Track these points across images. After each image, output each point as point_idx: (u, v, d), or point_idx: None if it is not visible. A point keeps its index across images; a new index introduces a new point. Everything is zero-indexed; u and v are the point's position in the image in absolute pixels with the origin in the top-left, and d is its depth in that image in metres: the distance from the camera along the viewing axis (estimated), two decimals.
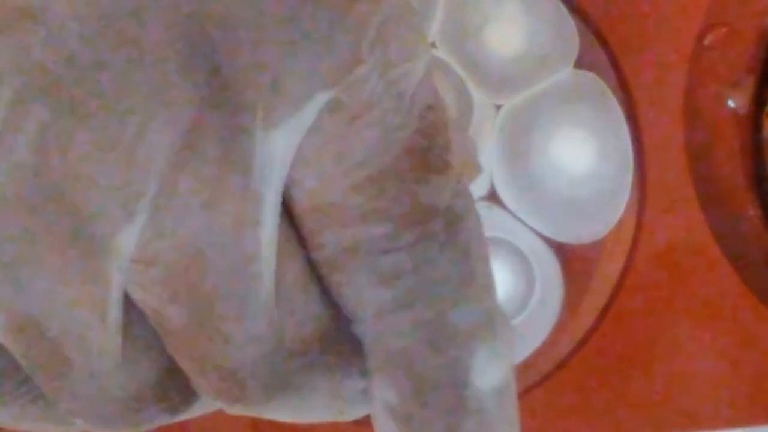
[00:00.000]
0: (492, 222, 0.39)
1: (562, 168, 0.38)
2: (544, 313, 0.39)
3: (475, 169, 0.25)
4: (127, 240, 0.18)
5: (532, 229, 0.39)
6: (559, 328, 0.39)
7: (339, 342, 0.20)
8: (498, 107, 0.38)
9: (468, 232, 0.20)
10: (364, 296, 0.20)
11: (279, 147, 0.18)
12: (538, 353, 0.39)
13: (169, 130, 0.18)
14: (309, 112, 0.18)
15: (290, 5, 0.18)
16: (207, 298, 0.19)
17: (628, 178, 0.38)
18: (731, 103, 0.40)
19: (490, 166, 0.39)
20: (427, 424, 0.20)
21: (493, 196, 0.39)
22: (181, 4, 0.18)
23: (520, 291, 0.39)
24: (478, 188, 0.39)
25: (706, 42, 0.39)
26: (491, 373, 0.21)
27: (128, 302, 0.19)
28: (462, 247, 0.20)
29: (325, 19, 0.18)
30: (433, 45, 0.38)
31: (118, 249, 0.18)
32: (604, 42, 0.38)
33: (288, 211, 0.19)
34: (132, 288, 0.19)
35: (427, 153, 0.20)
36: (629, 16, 0.39)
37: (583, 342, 0.39)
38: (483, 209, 0.39)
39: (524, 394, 0.39)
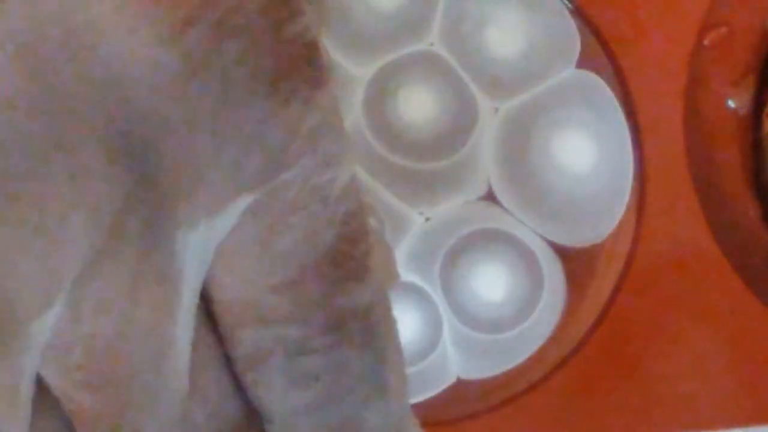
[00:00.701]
0: (494, 220, 0.39)
1: (561, 169, 0.38)
2: (546, 314, 0.39)
3: (393, 277, 0.26)
4: (44, 326, 0.18)
5: (534, 230, 0.39)
6: (559, 328, 0.39)
7: None
8: (496, 109, 0.38)
9: (384, 338, 0.20)
10: (278, 396, 0.20)
11: (200, 245, 0.18)
12: (538, 354, 0.39)
13: (92, 222, 0.18)
14: (232, 213, 0.19)
15: (222, 105, 0.18)
16: (120, 387, 0.19)
17: (628, 178, 0.38)
18: (731, 103, 0.40)
19: (488, 168, 0.39)
20: None
21: (492, 198, 0.39)
22: (113, 99, 0.18)
23: (528, 292, 0.39)
24: (476, 190, 0.39)
25: (706, 42, 0.39)
26: None
27: (42, 390, 0.19)
28: (377, 352, 0.20)
29: (255, 120, 0.18)
30: (431, 45, 0.38)
31: (34, 335, 0.18)
32: (604, 42, 0.38)
33: (207, 307, 0.20)
34: (48, 373, 0.19)
35: (348, 258, 0.20)
36: (629, 16, 0.39)
37: (583, 342, 0.39)
38: (482, 207, 0.39)
39: (524, 394, 0.39)
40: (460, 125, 0.38)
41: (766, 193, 0.40)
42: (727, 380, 0.39)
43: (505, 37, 0.38)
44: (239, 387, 0.20)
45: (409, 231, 0.39)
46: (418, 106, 0.38)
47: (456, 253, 0.39)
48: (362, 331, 0.20)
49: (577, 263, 0.39)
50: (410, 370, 0.38)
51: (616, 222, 0.38)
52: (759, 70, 0.39)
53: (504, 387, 0.39)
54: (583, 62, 0.38)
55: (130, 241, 0.18)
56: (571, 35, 0.38)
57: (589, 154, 0.38)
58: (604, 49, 0.38)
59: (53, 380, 0.19)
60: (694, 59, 0.39)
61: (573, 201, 0.38)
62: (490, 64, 0.38)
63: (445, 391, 0.39)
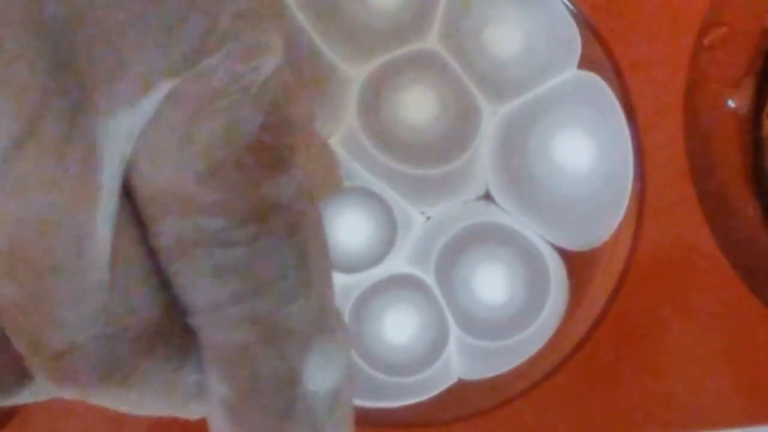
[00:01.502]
0: (493, 224, 0.39)
1: (561, 169, 0.38)
2: (549, 315, 0.39)
3: (336, 182, 0.25)
4: None
5: (535, 232, 0.39)
6: (559, 328, 0.39)
7: (173, 333, 0.20)
8: (495, 111, 0.38)
9: (307, 233, 0.20)
10: (200, 288, 0.20)
11: (120, 132, 0.19)
12: (538, 354, 0.39)
13: (12, 114, 0.18)
14: (151, 100, 0.19)
15: None
16: (41, 276, 0.19)
17: (628, 178, 0.38)
18: (731, 103, 0.40)
19: (486, 170, 0.39)
20: (257, 421, 0.21)
21: (491, 198, 0.39)
22: (42, 4, 0.18)
23: (534, 294, 0.39)
24: (475, 191, 0.39)
25: (706, 42, 0.39)
26: (323, 376, 0.21)
27: None
28: (301, 246, 0.20)
29: (178, 2, 0.18)
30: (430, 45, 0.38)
31: None
32: (604, 42, 0.38)
33: (129, 197, 0.20)
34: None
35: (271, 150, 0.20)
36: (629, 16, 0.39)
37: (583, 342, 0.39)
38: (481, 206, 0.39)
39: (524, 395, 0.39)
40: (460, 129, 0.38)
41: (766, 193, 0.40)
42: (727, 380, 0.39)
43: (506, 39, 0.38)
44: (162, 282, 0.20)
45: (411, 230, 0.39)
46: (417, 107, 0.38)
47: (457, 253, 0.39)
48: (285, 224, 0.20)
49: (577, 263, 0.39)
50: (415, 378, 0.39)
51: (616, 225, 0.38)
52: (759, 70, 0.40)
53: (504, 387, 0.39)
54: (584, 62, 0.38)
55: (52, 126, 0.18)
56: (572, 36, 0.38)
57: (589, 155, 0.38)
58: (604, 49, 0.38)
59: None
60: (694, 59, 0.39)
61: (572, 203, 0.38)
62: (491, 66, 0.38)
63: (445, 391, 0.39)
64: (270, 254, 0.20)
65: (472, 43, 0.38)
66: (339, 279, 0.39)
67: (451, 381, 0.39)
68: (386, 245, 0.39)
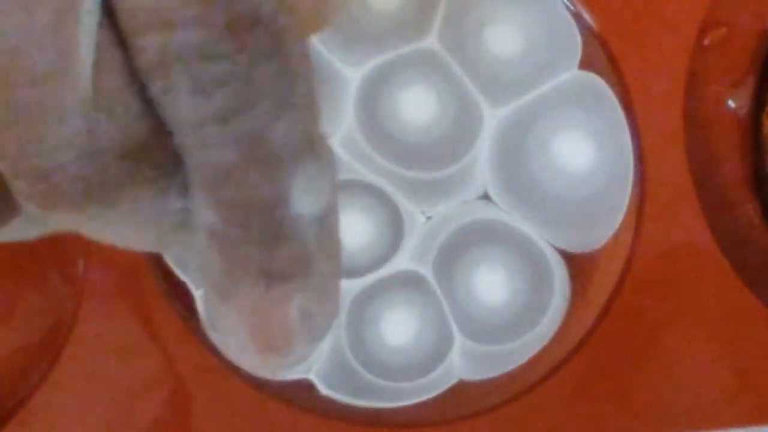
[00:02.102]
0: (494, 227, 0.39)
1: (561, 169, 0.38)
2: (550, 317, 0.39)
3: (324, 20, 0.25)
4: None
5: (535, 232, 0.39)
6: (559, 329, 0.39)
7: (159, 155, 0.20)
8: (494, 113, 0.38)
9: (290, 49, 0.20)
10: (184, 105, 0.20)
11: None
12: (539, 355, 0.39)
13: None
14: None
15: None
16: (23, 96, 0.19)
17: (628, 178, 0.38)
18: (731, 103, 0.40)
19: (486, 171, 0.39)
20: (243, 245, 0.21)
21: (490, 200, 0.39)
22: None
23: (538, 296, 0.39)
24: (475, 191, 0.39)
25: (706, 42, 0.39)
26: (310, 199, 0.21)
27: None
28: (283, 62, 0.20)
29: None
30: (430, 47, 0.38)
31: None
32: (604, 42, 0.38)
33: (110, 13, 0.20)
34: None
35: None
36: (629, 16, 0.39)
37: (582, 342, 0.39)
38: (481, 205, 0.39)
39: (524, 394, 0.39)
40: (459, 130, 0.38)
41: (766, 193, 0.40)
42: (727, 380, 0.39)
43: (506, 39, 0.38)
44: (147, 105, 0.20)
45: (413, 230, 0.39)
46: (417, 108, 0.38)
47: (458, 253, 0.39)
48: (267, 37, 0.20)
49: (577, 263, 0.39)
50: (419, 382, 0.39)
51: (617, 225, 0.38)
52: (759, 70, 0.40)
53: (504, 387, 0.39)
54: (584, 63, 0.38)
55: None
56: (572, 36, 0.38)
57: (589, 155, 0.38)
58: (604, 50, 0.38)
59: None
60: (694, 59, 0.39)
61: (572, 203, 0.38)
62: (491, 66, 0.38)
63: (445, 392, 0.39)
64: (252, 70, 0.20)
65: (472, 43, 0.38)
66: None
67: (452, 381, 0.39)
68: (391, 247, 0.39)
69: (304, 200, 0.21)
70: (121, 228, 0.21)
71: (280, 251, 0.21)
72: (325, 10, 0.25)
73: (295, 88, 0.20)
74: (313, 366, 0.39)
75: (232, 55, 0.20)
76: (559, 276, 0.39)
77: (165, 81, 0.20)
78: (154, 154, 0.20)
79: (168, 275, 0.38)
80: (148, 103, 0.20)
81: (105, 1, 0.19)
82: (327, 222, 0.21)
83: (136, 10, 0.19)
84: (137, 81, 0.20)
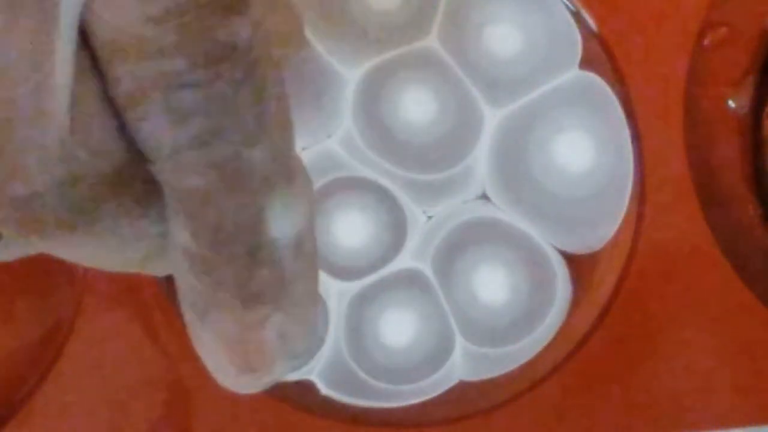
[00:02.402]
0: (494, 227, 0.39)
1: (561, 169, 0.38)
2: (551, 318, 0.39)
3: (299, 42, 0.26)
4: None
5: (537, 233, 0.39)
6: (560, 329, 0.39)
7: (136, 181, 0.21)
8: (495, 114, 0.38)
9: (265, 76, 0.20)
10: (160, 133, 0.20)
11: None
12: (539, 355, 0.39)
13: None
14: None
15: None
16: (0, 120, 0.19)
17: (629, 178, 0.38)
18: (731, 103, 0.40)
19: (485, 172, 0.39)
20: (220, 269, 0.21)
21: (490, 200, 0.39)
22: None
23: (540, 297, 0.39)
24: (474, 191, 0.39)
25: (706, 42, 0.39)
26: (286, 223, 0.21)
27: None
28: (258, 89, 0.20)
29: None
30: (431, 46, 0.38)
31: None
32: (604, 42, 0.38)
33: (87, 43, 0.20)
34: None
35: None
36: (629, 16, 0.39)
37: (582, 342, 0.39)
38: (482, 205, 0.39)
39: (524, 394, 0.39)
40: (459, 130, 0.38)
41: (766, 193, 0.40)
42: (727, 380, 0.39)
43: (506, 38, 0.38)
44: (124, 132, 0.20)
45: (414, 229, 0.39)
46: (416, 108, 0.38)
47: (459, 253, 0.39)
48: (243, 65, 0.20)
49: (577, 264, 0.39)
50: (420, 384, 0.38)
51: (617, 226, 0.38)
52: (759, 70, 0.39)
53: (504, 387, 0.39)
54: (584, 63, 0.38)
55: None
56: (572, 36, 0.38)
57: (589, 156, 0.38)
58: (604, 49, 0.38)
59: None
60: (694, 59, 0.39)
61: (572, 203, 0.38)
62: (491, 66, 0.38)
63: (445, 392, 0.39)
64: (228, 97, 0.20)
65: (472, 43, 0.38)
66: (342, 282, 0.39)
67: (452, 382, 0.39)
68: (393, 246, 0.39)
69: (280, 224, 0.21)
70: (100, 252, 0.21)
71: (257, 274, 0.21)
72: (298, 35, 0.26)
73: (270, 115, 0.20)
74: (315, 367, 0.39)
75: (208, 84, 0.20)
76: (561, 276, 0.39)
77: (141, 108, 0.20)
78: (131, 181, 0.21)
79: (168, 275, 0.38)
80: (124, 131, 0.20)
81: (82, 30, 0.20)
82: (304, 245, 0.21)
83: (113, 40, 0.19)
84: (113, 109, 0.20)
